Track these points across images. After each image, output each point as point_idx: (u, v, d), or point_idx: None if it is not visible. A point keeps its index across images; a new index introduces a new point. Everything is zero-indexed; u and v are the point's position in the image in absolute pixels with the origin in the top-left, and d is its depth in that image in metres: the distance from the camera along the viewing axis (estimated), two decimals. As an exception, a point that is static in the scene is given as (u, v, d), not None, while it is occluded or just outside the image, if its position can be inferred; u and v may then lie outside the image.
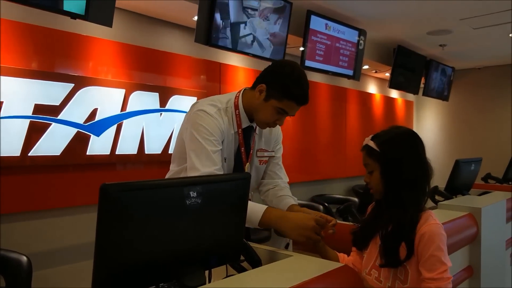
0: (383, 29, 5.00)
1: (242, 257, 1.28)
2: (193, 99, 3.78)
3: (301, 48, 4.22)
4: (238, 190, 1.21)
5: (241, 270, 1.28)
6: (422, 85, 6.40)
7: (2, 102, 2.71)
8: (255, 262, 1.28)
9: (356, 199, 5.25)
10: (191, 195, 1.04)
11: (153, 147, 3.56)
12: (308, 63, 4.26)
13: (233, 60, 4.46)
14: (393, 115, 7.25)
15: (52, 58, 3.04)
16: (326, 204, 4.95)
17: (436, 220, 1.36)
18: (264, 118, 1.67)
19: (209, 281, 1.23)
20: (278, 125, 1.84)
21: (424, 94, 6.47)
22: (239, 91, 1.76)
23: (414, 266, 1.34)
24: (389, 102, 7.14)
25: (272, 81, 1.63)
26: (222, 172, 1.60)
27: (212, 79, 4.14)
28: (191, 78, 3.94)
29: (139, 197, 0.96)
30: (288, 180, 1.90)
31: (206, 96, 1.87)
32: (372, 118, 6.62)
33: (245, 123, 1.71)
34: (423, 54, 6.06)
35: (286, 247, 1.73)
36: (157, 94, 3.58)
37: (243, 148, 1.71)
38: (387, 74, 6.03)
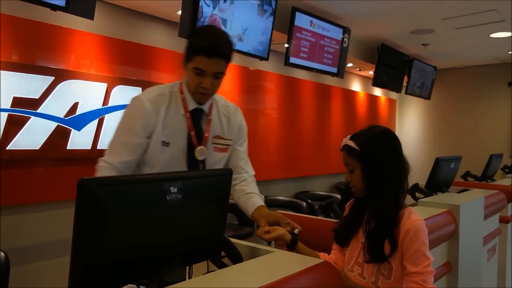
0: (367, 27, 5.04)
1: (223, 253, 1.28)
2: (177, 94, 3.74)
3: (286, 45, 4.22)
4: (219, 186, 1.20)
5: (222, 266, 1.28)
6: (404, 84, 6.48)
7: (-21, 94, 2.65)
8: (236, 258, 1.28)
9: (338, 196, 5.30)
10: (172, 191, 1.03)
11: (136, 142, 3.52)
12: (292, 60, 4.26)
13: (218, 55, 4.43)
14: (376, 113, 7.33)
15: (32, 50, 2.97)
16: (309, 200, 4.98)
17: (418, 216, 1.40)
18: (191, 86, 1.69)
19: (190, 277, 1.22)
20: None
21: (407, 92, 6.55)
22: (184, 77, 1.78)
23: (398, 261, 1.36)
24: (372, 100, 7.21)
25: (184, 48, 1.67)
26: (124, 166, 1.66)
27: (196, 74, 4.10)
28: (175, 73, 3.91)
29: (118, 192, 0.94)
30: (254, 173, 1.87)
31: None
32: (356, 115, 6.67)
33: (192, 105, 1.72)
34: (406, 53, 6.13)
35: (269, 243, 1.73)
36: (140, 88, 3.54)
37: (192, 132, 1.71)
38: (371, 72, 6.08)
